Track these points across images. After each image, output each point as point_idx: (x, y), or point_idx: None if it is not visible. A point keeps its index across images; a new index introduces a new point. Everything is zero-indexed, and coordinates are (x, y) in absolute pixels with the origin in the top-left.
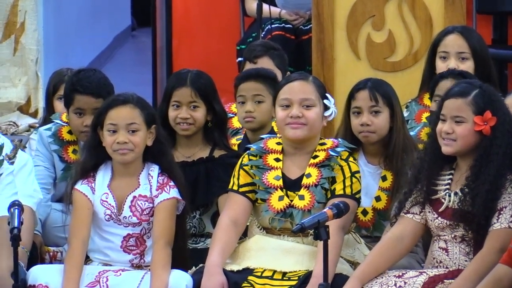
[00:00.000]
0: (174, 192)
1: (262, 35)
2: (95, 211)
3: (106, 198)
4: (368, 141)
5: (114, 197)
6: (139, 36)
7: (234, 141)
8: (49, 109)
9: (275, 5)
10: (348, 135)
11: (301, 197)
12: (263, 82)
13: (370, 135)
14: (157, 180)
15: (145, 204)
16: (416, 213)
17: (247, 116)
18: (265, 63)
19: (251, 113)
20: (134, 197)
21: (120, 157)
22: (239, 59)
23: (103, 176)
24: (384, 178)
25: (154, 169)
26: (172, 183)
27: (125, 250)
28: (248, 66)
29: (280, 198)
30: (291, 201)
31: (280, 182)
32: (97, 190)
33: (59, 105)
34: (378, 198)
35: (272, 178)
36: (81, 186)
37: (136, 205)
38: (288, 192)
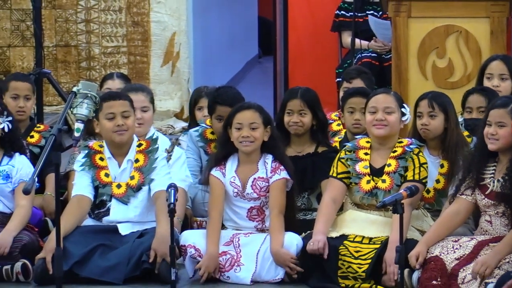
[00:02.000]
0: (284, 174)
1: (354, 62)
2: (226, 190)
3: (234, 180)
4: (426, 137)
5: (240, 179)
6: (264, 62)
7: (336, 139)
8: (191, 117)
9: (364, 40)
10: (416, 134)
11: (384, 181)
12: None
13: (427, 132)
14: (271, 166)
15: (262, 183)
16: (469, 195)
17: (356, 123)
18: (358, 83)
19: (359, 121)
20: (254, 179)
21: (244, 148)
22: (338, 79)
23: (231, 164)
24: (442, 166)
25: (269, 158)
26: (282, 167)
27: (250, 218)
28: (345, 85)
29: (368, 182)
30: (376, 184)
31: (368, 170)
32: (227, 174)
33: (198, 113)
34: (437, 181)
35: (362, 167)
36: (215, 172)
37: (256, 184)
38: (374, 178)
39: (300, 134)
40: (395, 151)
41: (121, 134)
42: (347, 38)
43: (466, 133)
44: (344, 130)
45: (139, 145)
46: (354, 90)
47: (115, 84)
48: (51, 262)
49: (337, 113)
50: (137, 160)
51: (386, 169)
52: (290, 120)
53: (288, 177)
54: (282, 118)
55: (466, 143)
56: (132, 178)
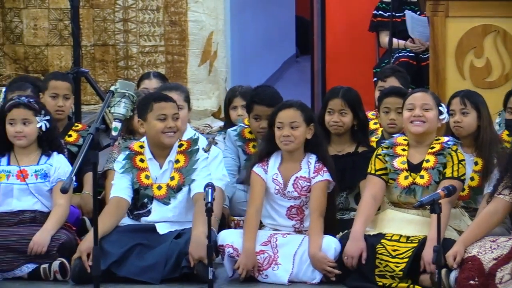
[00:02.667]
0: (326, 175)
1: (392, 61)
2: (267, 187)
3: (276, 177)
4: (459, 135)
5: (282, 177)
6: (301, 61)
7: (373, 139)
8: (226, 116)
9: (401, 39)
10: (449, 132)
11: (422, 177)
12: (403, 98)
13: (460, 130)
14: (314, 166)
15: (304, 183)
16: (506, 194)
17: (391, 123)
18: (393, 81)
19: (394, 121)
20: (297, 177)
21: (284, 147)
22: (375, 79)
23: (274, 161)
24: (476, 163)
25: (312, 157)
26: (325, 168)
27: (289, 217)
28: (380, 83)
29: (406, 178)
30: (414, 179)
31: (406, 166)
32: (269, 171)
33: (232, 113)
34: (472, 178)
35: (399, 162)
36: (257, 169)
37: (298, 183)
38: (411, 174)
39: (340, 133)
40: (433, 148)
41: (171, 136)
42: (384, 38)
43: (506, 132)
44: (381, 129)
45: (180, 146)
46: (389, 90)
47: (152, 84)
48: (88, 261)
49: (374, 112)
50: (177, 161)
51: (425, 164)
52: (331, 120)
53: (330, 179)
54: (323, 117)
55: (500, 141)
56: (172, 178)
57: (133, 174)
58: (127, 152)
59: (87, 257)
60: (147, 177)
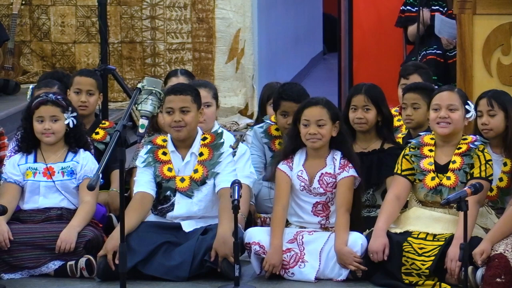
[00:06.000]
0: (352, 171)
1: (419, 58)
2: (292, 184)
3: (301, 174)
4: (487, 136)
5: (307, 173)
6: (328, 59)
7: (400, 135)
8: (262, 112)
9: (429, 34)
10: (477, 132)
11: (448, 178)
12: (420, 93)
13: (488, 132)
14: (340, 162)
15: (329, 179)
16: None
17: (407, 119)
18: (415, 78)
19: (410, 116)
20: (322, 174)
21: (310, 145)
22: None
23: (299, 158)
24: (505, 164)
25: (338, 154)
26: (351, 165)
27: (315, 213)
28: (403, 81)
29: (433, 178)
30: (441, 180)
31: (432, 167)
32: (294, 168)
33: (269, 109)
34: (501, 179)
35: (426, 163)
36: (282, 166)
37: (323, 179)
38: (438, 174)
39: (365, 131)
40: (459, 148)
41: (178, 130)
42: (413, 30)
43: None
44: (405, 126)
45: (204, 139)
46: (408, 86)
47: (179, 81)
48: (113, 260)
49: (397, 108)
50: (201, 154)
51: (451, 166)
52: (355, 117)
53: (356, 175)
54: (347, 115)
55: None
56: (195, 171)
57: (155, 167)
58: (149, 146)
59: (113, 255)
60: (169, 169)
